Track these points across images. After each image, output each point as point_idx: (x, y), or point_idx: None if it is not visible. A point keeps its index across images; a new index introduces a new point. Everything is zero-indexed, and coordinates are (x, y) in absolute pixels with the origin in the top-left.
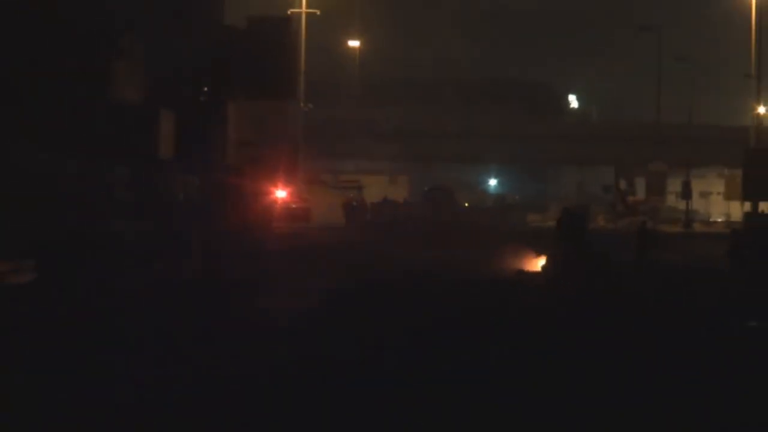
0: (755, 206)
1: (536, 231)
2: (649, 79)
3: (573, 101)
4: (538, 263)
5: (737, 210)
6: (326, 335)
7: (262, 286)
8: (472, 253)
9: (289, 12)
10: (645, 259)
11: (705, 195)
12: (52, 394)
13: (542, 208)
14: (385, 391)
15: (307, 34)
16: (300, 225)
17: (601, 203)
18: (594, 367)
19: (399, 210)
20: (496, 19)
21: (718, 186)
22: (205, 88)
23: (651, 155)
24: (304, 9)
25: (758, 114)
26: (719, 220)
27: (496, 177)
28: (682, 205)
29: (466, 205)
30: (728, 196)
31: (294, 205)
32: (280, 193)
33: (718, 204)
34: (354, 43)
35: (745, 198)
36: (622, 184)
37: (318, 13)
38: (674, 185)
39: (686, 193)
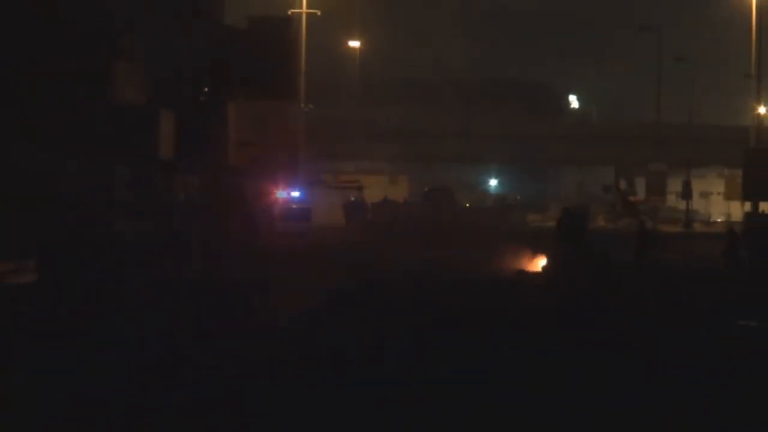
0: (755, 206)
1: (536, 231)
2: (649, 79)
3: (573, 101)
4: (538, 263)
5: (737, 210)
6: (326, 335)
7: (262, 286)
8: (472, 253)
9: (289, 12)
10: (645, 259)
11: (705, 195)
12: (52, 394)
13: (542, 208)
14: (385, 391)
15: (307, 34)
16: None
17: (601, 203)
18: (594, 367)
19: (399, 210)
20: (496, 19)
21: (718, 186)
22: (205, 88)
23: (651, 155)
24: (304, 9)
25: (758, 114)
26: (719, 220)
27: (496, 177)
28: (682, 205)
29: (467, 205)
30: (728, 196)
31: (294, 205)
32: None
33: (719, 204)
34: (354, 44)
35: (745, 198)
36: (622, 184)
37: (318, 13)
38: (674, 185)
39: (686, 193)
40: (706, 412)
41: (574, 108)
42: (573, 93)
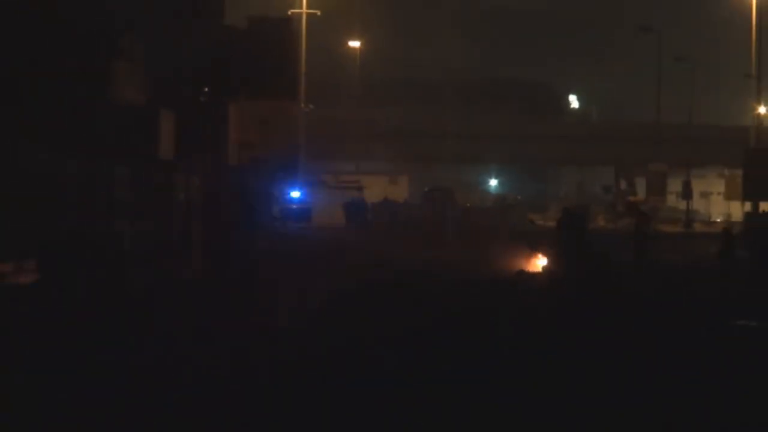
0: (755, 206)
1: (536, 231)
2: (649, 79)
3: (573, 101)
4: (538, 263)
5: (738, 210)
6: (326, 335)
7: (263, 286)
8: (472, 253)
9: (289, 12)
10: (645, 259)
11: (705, 195)
12: (52, 394)
13: (542, 208)
14: (385, 391)
15: (307, 34)
16: (300, 225)
17: (601, 203)
18: (594, 367)
19: (399, 210)
20: (496, 19)
21: (718, 186)
22: (205, 88)
23: (651, 155)
24: (304, 9)
25: (758, 114)
26: (718, 220)
27: (496, 177)
28: (682, 205)
29: (468, 205)
30: (728, 196)
31: (294, 205)
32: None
33: (719, 204)
34: (354, 44)
35: (745, 198)
36: (622, 184)
37: (318, 13)
38: (674, 185)
39: (686, 193)
40: (706, 412)
41: (574, 108)
42: (573, 93)
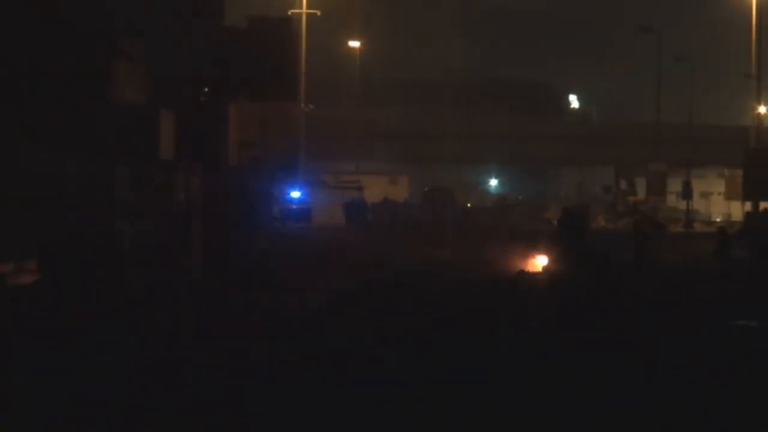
0: (755, 206)
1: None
2: (649, 79)
3: (573, 101)
4: (538, 263)
5: (738, 210)
6: (326, 335)
7: (263, 287)
8: (472, 253)
9: (289, 12)
10: (645, 259)
11: (705, 195)
12: (52, 394)
13: (542, 208)
14: (385, 391)
15: (307, 34)
16: (300, 225)
17: (601, 203)
18: (594, 367)
19: (399, 210)
20: (496, 19)
21: (718, 186)
22: (205, 89)
23: (651, 155)
24: (304, 9)
25: (758, 114)
26: (717, 219)
27: (496, 177)
28: (682, 205)
29: (469, 205)
30: (729, 196)
31: (294, 206)
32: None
33: (719, 204)
34: (354, 44)
35: (745, 198)
36: (622, 184)
37: (318, 13)
38: (674, 185)
39: (686, 193)
40: (706, 412)
41: (574, 108)
42: (573, 93)
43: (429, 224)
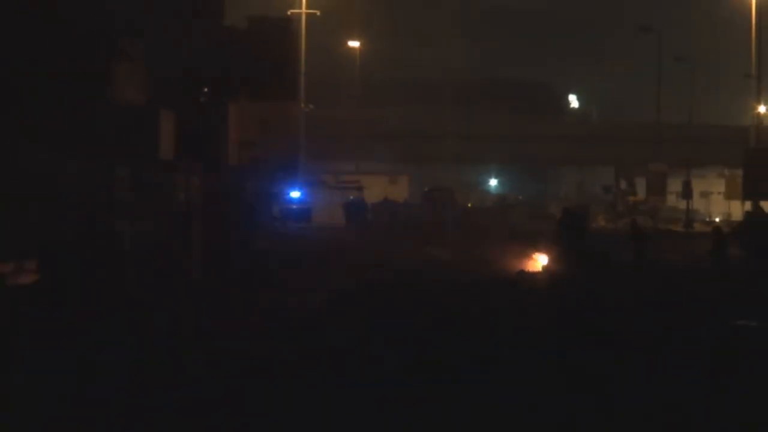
0: (756, 205)
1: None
2: (649, 79)
3: (573, 101)
4: (538, 263)
5: (738, 209)
6: (326, 335)
7: (263, 287)
8: (472, 253)
9: (289, 12)
10: (644, 259)
11: (705, 195)
12: (52, 394)
13: (542, 208)
14: (385, 391)
15: (307, 34)
16: (300, 225)
17: (601, 203)
18: (593, 367)
19: (399, 210)
20: (496, 19)
21: (718, 186)
22: (205, 89)
23: (651, 155)
24: (304, 9)
25: (758, 114)
26: (717, 219)
27: (496, 177)
28: (682, 204)
29: (469, 205)
30: (729, 196)
31: (294, 206)
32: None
33: (719, 203)
34: (354, 44)
35: (745, 198)
36: (622, 184)
37: (318, 13)
38: (674, 185)
39: (686, 193)
40: (706, 412)
41: (574, 108)
42: (573, 93)
43: (429, 224)
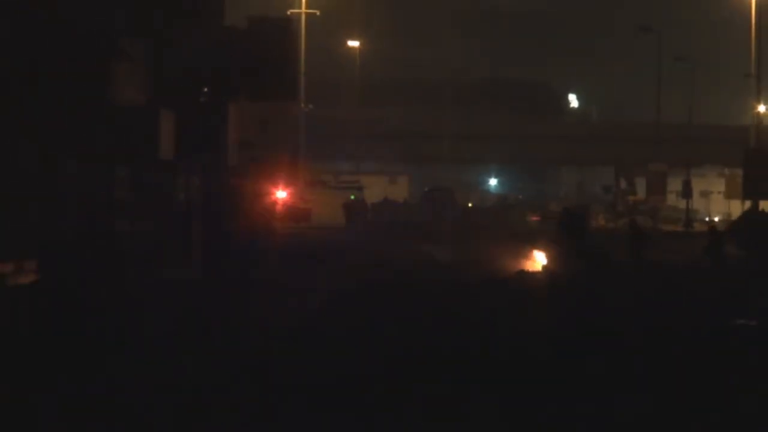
0: (755, 205)
1: (537, 231)
2: (649, 79)
3: (573, 101)
4: (538, 263)
5: (738, 209)
6: (326, 335)
7: (263, 287)
8: (472, 253)
9: (289, 12)
10: (642, 259)
11: (705, 194)
12: (52, 394)
13: (542, 208)
14: (385, 391)
15: (307, 34)
16: (300, 225)
17: (601, 203)
18: (593, 367)
19: (399, 210)
20: (496, 19)
21: (718, 185)
22: (205, 89)
23: (651, 155)
24: (304, 9)
25: (758, 113)
26: (716, 219)
27: (496, 177)
28: (682, 204)
29: (470, 205)
30: (729, 195)
31: (294, 206)
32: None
33: (719, 203)
34: (354, 44)
35: (745, 197)
36: (622, 184)
37: (318, 13)
38: (674, 185)
39: (686, 193)
40: (706, 412)
41: (574, 108)
42: (573, 93)
43: (429, 224)
